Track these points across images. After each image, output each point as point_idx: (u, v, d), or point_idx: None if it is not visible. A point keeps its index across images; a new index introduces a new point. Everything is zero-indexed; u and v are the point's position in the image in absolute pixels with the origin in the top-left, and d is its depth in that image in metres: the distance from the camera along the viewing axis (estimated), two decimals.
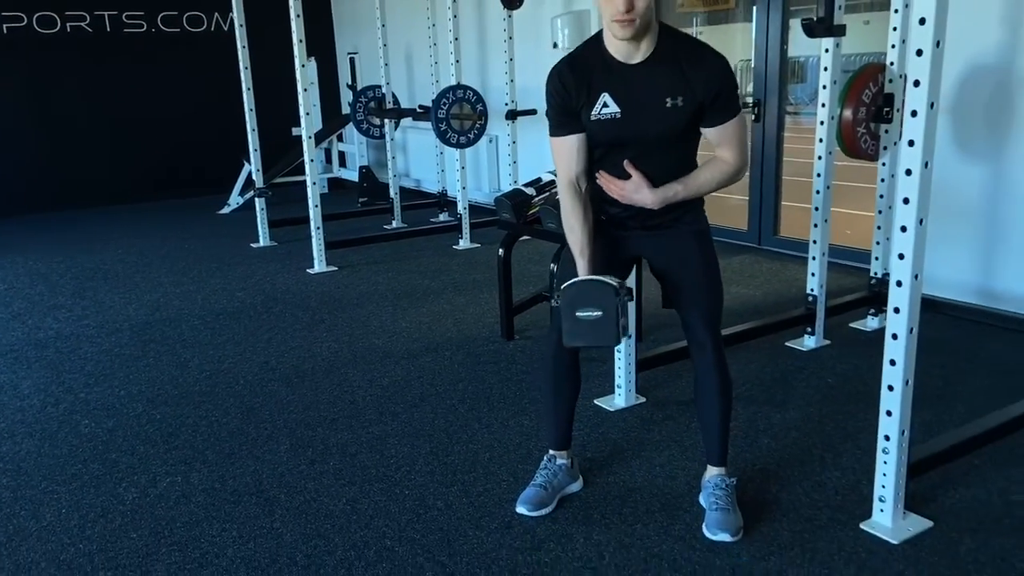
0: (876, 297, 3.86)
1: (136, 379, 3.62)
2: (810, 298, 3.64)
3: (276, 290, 5.00)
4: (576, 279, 2.18)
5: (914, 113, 2.03)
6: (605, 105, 2.12)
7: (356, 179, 8.06)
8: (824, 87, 3.42)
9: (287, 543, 2.33)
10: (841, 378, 3.33)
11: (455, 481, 2.63)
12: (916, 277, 2.11)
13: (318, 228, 5.42)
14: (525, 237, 4.97)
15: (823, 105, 3.44)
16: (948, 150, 3.97)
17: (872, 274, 3.88)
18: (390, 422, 3.08)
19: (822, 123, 3.45)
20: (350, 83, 7.82)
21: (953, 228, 4.01)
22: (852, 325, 3.91)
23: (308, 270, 5.43)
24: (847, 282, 4.43)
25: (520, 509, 2.39)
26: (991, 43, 3.74)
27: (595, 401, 3.15)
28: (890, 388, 2.19)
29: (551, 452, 2.51)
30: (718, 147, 2.20)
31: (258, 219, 6.29)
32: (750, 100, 5.39)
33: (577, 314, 2.14)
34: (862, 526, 2.28)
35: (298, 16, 5.08)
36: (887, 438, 2.22)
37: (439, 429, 3.00)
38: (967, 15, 3.78)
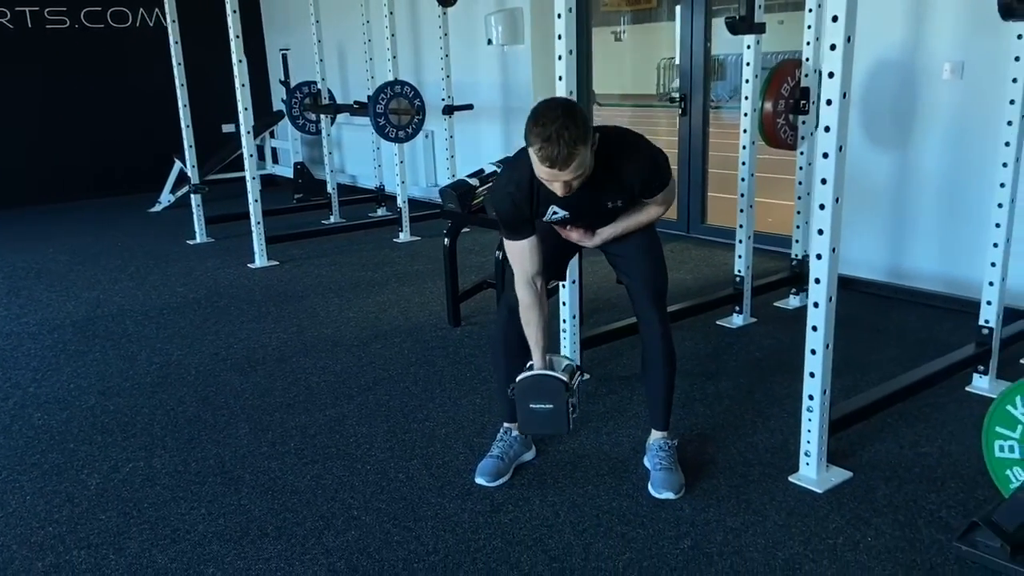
0: (797, 278, 4.14)
1: (85, 373, 3.64)
2: (738, 279, 3.88)
3: (218, 285, 5.02)
4: (530, 374, 2.36)
5: (829, 102, 2.25)
6: (555, 212, 2.32)
7: (290, 176, 8.06)
8: (747, 81, 3.67)
9: (256, 517, 2.43)
10: (767, 352, 3.58)
11: (414, 455, 2.76)
12: (833, 250, 2.34)
13: (258, 223, 5.45)
14: (467, 229, 5.13)
15: (746, 98, 3.68)
16: (858, 140, 4.27)
17: (793, 256, 4.16)
18: (346, 405, 3.19)
19: (746, 115, 3.69)
20: (283, 79, 7.81)
21: (864, 212, 4.33)
22: (775, 304, 4.18)
23: (249, 265, 5.46)
24: (770, 265, 4.70)
25: (479, 480, 2.55)
26: (896, 40, 4.05)
27: None
28: (812, 352, 2.42)
29: (506, 425, 2.67)
30: (652, 203, 2.40)
31: (194, 216, 6.27)
32: (676, 95, 5.65)
33: (531, 406, 2.34)
34: (790, 479, 2.51)
35: (234, 12, 5.11)
36: (811, 398, 2.45)
37: (395, 410, 3.13)
38: (875, 13, 4.08)
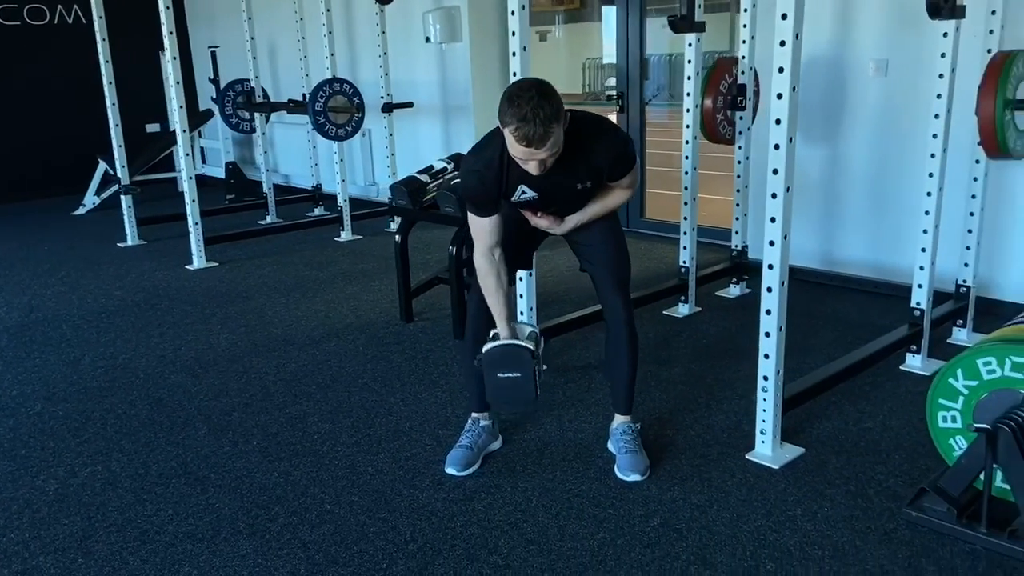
0: (737, 268, 4.30)
1: (27, 379, 3.53)
2: (683, 270, 4.01)
3: (157, 287, 4.91)
4: (497, 344, 2.40)
5: (779, 96, 2.37)
6: (523, 192, 2.36)
7: (221, 176, 7.91)
8: (689, 78, 3.79)
9: (227, 515, 2.42)
10: (714, 339, 3.72)
11: (381, 449, 2.78)
12: (785, 237, 2.46)
13: (196, 224, 5.35)
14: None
15: (688, 95, 3.81)
16: None
17: (733, 247, 4.31)
18: (306, 403, 3.19)
19: (688, 111, 3.82)
20: (212, 77, 7.65)
21: (798, 204, 4.49)
22: (717, 293, 4.33)
23: (187, 267, 5.35)
24: (709, 257, 4.85)
25: (449, 470, 2.58)
26: (825, 39, 4.25)
27: (498, 375, 3.37)
28: (767, 335, 2.54)
29: (474, 415, 2.72)
30: (617, 186, 2.47)
31: (125, 218, 6.09)
32: (613, 93, 5.78)
33: (498, 375, 2.38)
34: (747, 456, 2.63)
35: (168, 8, 5.00)
36: (765, 378, 2.57)
37: (356, 406, 3.14)
38: (806, 13, 4.26)
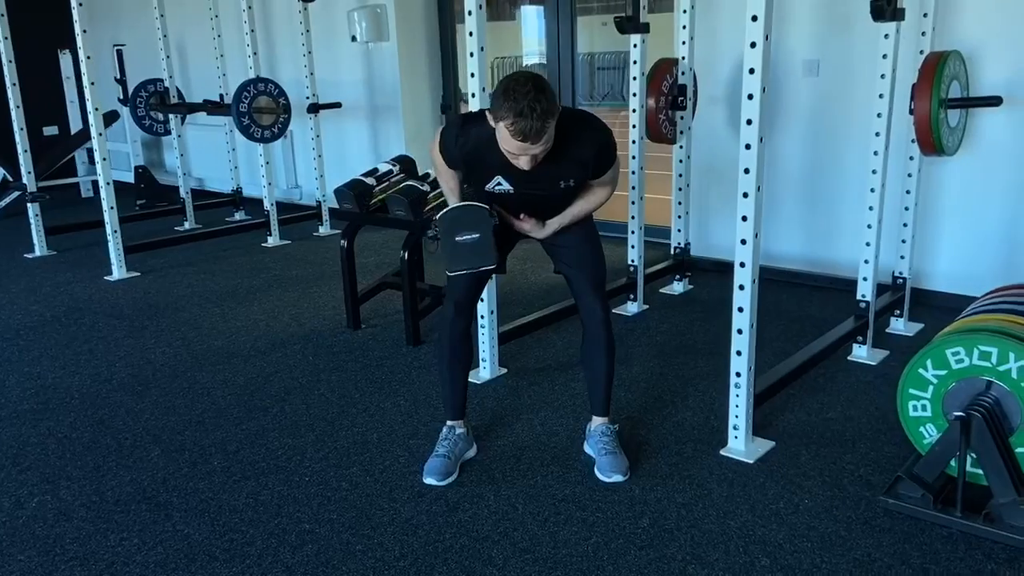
0: (680, 265, 4.37)
1: None
2: (631, 268, 4.05)
3: (76, 300, 4.64)
4: (451, 207, 2.37)
5: (750, 96, 2.41)
6: (499, 183, 2.33)
7: (129, 180, 7.54)
8: (634, 79, 3.82)
9: (199, 541, 2.29)
10: (666, 335, 3.76)
11: (352, 463, 2.70)
12: (756, 235, 2.50)
13: (115, 232, 5.08)
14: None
15: (634, 95, 3.84)
16: (726, 135, 4.56)
17: (675, 245, 4.38)
18: (262, 417, 3.06)
19: (634, 111, 3.85)
20: (118, 77, 7.28)
21: (735, 201, 4.61)
22: (662, 291, 4.39)
23: (107, 278, 5.07)
24: (649, 255, 4.92)
25: (429, 480, 2.52)
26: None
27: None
28: (739, 331, 2.58)
29: (449, 423, 2.66)
30: (598, 184, 2.46)
31: (32, 227, 5.73)
32: None
33: (456, 239, 2.33)
34: (722, 452, 2.67)
35: (80, 5, 4.72)
36: (738, 374, 2.62)
37: (317, 418, 3.03)
38: (737, 16, 4.36)
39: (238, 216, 6.70)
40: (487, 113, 2.17)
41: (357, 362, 3.56)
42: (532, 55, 14.41)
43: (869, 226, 3.32)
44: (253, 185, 6.91)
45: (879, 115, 3.20)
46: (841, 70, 4.12)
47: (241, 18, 5.49)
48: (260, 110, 5.55)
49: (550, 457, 2.68)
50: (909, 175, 3.55)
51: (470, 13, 2.98)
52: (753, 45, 2.37)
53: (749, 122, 2.41)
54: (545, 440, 2.80)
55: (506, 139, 2.10)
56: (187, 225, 6.46)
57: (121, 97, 7.23)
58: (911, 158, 3.53)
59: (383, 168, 3.93)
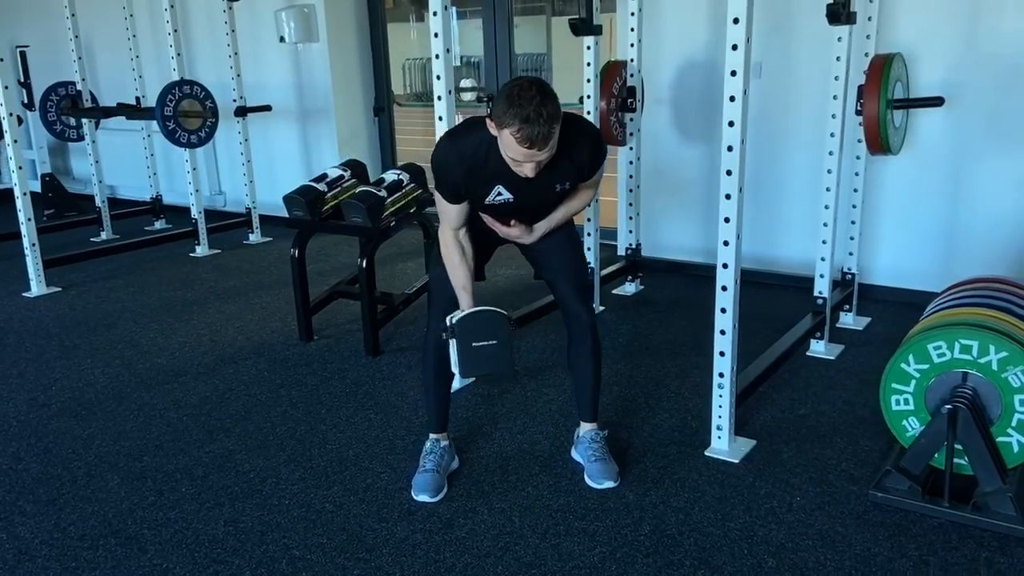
0: (632, 266, 4.39)
1: None
2: (589, 270, 4.04)
3: None
4: (470, 311, 2.28)
5: (732, 98, 2.42)
6: (499, 194, 2.27)
7: (35, 189, 7.09)
8: (588, 81, 3.81)
9: (181, 575, 2.15)
10: (628, 337, 3.77)
11: (332, 482, 2.59)
12: (738, 237, 2.52)
13: (34, 245, 4.76)
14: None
15: (588, 97, 3.83)
16: (670, 135, 4.62)
17: (627, 246, 4.40)
18: (225, 439, 2.91)
19: (588, 113, 3.84)
20: (22, 80, 6.84)
21: (680, 201, 4.69)
22: (615, 292, 4.40)
23: (25, 294, 4.74)
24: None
25: (421, 497, 2.44)
26: (701, 43, 4.42)
27: None
28: (722, 332, 2.60)
29: (434, 436, 2.59)
30: (584, 186, 2.42)
31: None
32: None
33: (474, 344, 2.25)
34: (707, 453, 2.68)
35: None
36: (721, 375, 2.63)
37: (286, 437, 2.90)
38: (681, 18, 4.44)
39: (159, 225, 6.40)
40: (488, 120, 2.11)
41: (316, 375, 3.43)
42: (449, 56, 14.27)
43: (825, 224, 3.40)
44: (171, 192, 6.62)
45: (833, 116, 3.28)
46: (783, 72, 4.22)
47: (159, 18, 5.24)
48: (186, 114, 5.31)
49: (537, 466, 2.64)
50: (856, 174, 3.66)
51: (435, 14, 2.91)
52: (735, 48, 2.38)
53: (731, 123, 2.42)
54: (528, 448, 2.76)
55: (511, 146, 2.04)
56: (104, 236, 6.13)
57: (25, 101, 6.82)
58: (857, 157, 3.64)
59: (334, 173, 3.80)
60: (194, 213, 5.55)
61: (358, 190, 3.59)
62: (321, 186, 3.69)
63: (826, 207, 3.38)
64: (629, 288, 4.43)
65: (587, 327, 2.50)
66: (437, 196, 2.32)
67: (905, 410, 2.42)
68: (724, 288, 2.56)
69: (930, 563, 2.10)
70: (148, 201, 6.50)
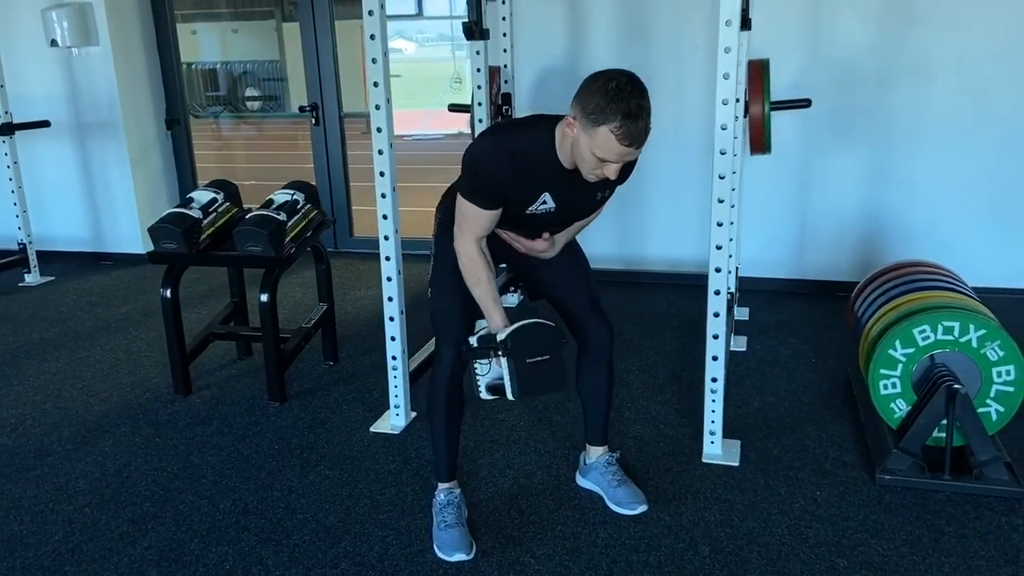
0: (515, 279, 4.26)
1: None
2: None
3: None
4: (520, 325, 2.02)
5: (725, 102, 2.40)
6: (544, 202, 2.06)
7: None
8: (479, 87, 3.64)
9: None
10: (568, 348, 3.63)
11: (336, 558, 2.20)
12: (731, 240, 2.51)
13: None
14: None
15: (480, 104, 3.66)
16: None
17: None
18: (160, 528, 2.36)
19: (480, 120, 3.67)
20: None
21: None
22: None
23: None
24: None
25: (456, 557, 2.14)
26: (560, 50, 4.41)
27: (371, 429, 2.91)
28: (715, 337, 2.57)
29: (445, 486, 2.30)
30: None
31: None
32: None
33: (528, 361, 2.01)
34: (705, 460, 2.64)
35: None
36: (714, 380, 2.61)
37: (237, 513, 2.42)
38: (539, 27, 4.39)
39: None
40: (571, 119, 1.89)
41: (224, 434, 2.92)
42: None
43: (726, 223, 3.51)
44: None
45: (736, 118, 3.40)
46: (643, 78, 4.32)
47: None
48: None
49: (549, 499, 2.44)
50: (733, 172, 3.83)
51: (371, 13, 2.59)
52: (728, 50, 2.37)
53: (724, 127, 2.41)
54: (526, 483, 2.54)
55: (606, 145, 1.84)
56: None
57: None
58: (734, 155, 3.80)
59: (203, 196, 3.26)
60: None
61: (250, 215, 3.11)
62: (194, 212, 3.15)
63: (732, 206, 3.50)
64: (511, 299, 4.29)
65: (607, 344, 2.36)
66: (464, 202, 2.04)
67: (893, 394, 2.56)
68: (717, 292, 2.54)
69: (968, 536, 2.23)
70: None
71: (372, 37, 2.60)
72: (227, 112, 12.46)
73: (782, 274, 4.42)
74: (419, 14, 14.42)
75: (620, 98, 1.81)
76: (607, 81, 1.84)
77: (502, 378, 2.03)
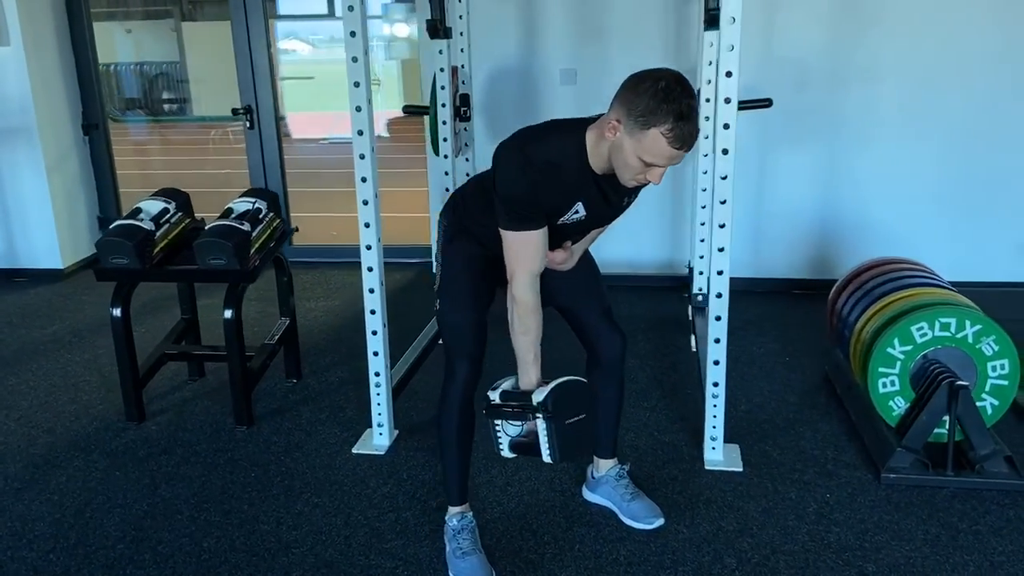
0: None
1: None
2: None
3: None
4: (559, 382, 1.90)
5: (728, 100, 2.36)
6: (576, 211, 1.95)
7: None
8: (443, 88, 3.50)
9: None
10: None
11: None
12: (722, 249, 2.46)
13: None
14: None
15: (444, 105, 3.52)
16: (484, 141, 4.42)
17: None
18: (141, 574, 2.14)
19: (444, 123, 3.53)
20: None
21: None
22: None
23: None
24: (399, 276, 4.59)
25: None
26: (512, 50, 4.31)
27: (354, 450, 2.74)
28: (716, 341, 2.53)
29: (457, 510, 2.16)
30: None
31: None
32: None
33: (567, 421, 1.89)
34: (708, 467, 2.59)
35: None
36: (716, 384, 2.57)
37: (226, 551, 2.22)
38: (491, 26, 4.27)
39: None
40: (614, 122, 1.77)
41: (192, 464, 2.70)
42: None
43: (703, 224, 3.50)
44: None
45: (706, 118, 3.38)
46: (597, 79, 4.27)
47: None
48: None
49: (561, 519, 2.33)
50: (703, 172, 3.82)
51: (351, 9, 2.43)
52: (731, 48, 2.31)
53: (727, 126, 2.36)
54: (531, 500, 2.43)
55: (655, 148, 1.73)
56: None
57: None
58: (704, 155, 3.80)
59: (152, 206, 3.00)
60: None
61: (211, 225, 2.88)
62: (145, 223, 2.90)
63: (703, 207, 3.49)
64: None
65: (620, 355, 2.26)
66: (511, 235, 1.89)
67: (891, 391, 2.56)
68: (719, 295, 2.49)
69: (982, 532, 2.24)
70: None
71: (352, 34, 2.44)
72: (144, 115, 11.87)
73: (739, 273, 4.42)
74: (330, 14, 14.07)
75: (671, 99, 1.71)
76: (655, 81, 1.74)
77: (528, 436, 1.90)
